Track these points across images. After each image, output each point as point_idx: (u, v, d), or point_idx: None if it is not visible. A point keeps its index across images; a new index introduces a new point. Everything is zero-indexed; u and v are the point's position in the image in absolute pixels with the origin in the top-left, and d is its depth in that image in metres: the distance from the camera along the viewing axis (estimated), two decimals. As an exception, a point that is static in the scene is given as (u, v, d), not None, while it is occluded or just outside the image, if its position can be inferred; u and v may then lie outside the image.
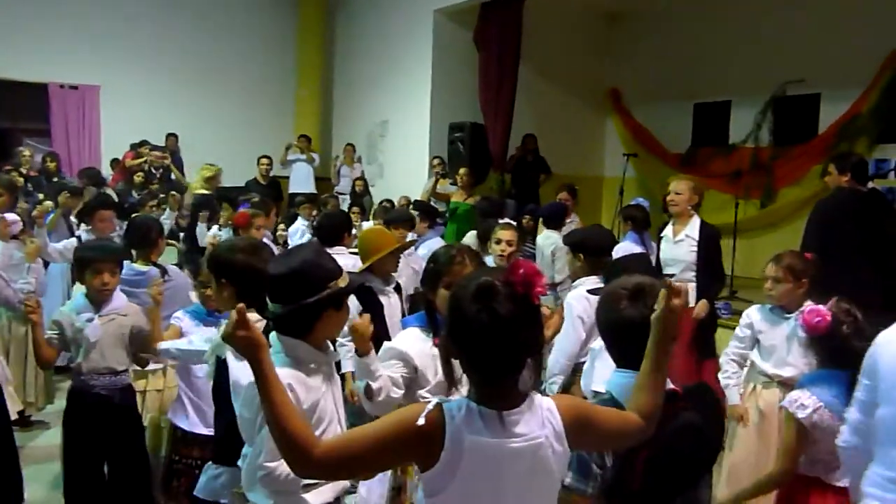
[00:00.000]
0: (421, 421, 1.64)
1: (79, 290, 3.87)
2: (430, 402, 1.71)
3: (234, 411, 2.41)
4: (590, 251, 4.04)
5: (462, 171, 9.30)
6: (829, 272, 4.90)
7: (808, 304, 3.27)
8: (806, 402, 2.69)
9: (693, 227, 5.37)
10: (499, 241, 4.65)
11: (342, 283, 2.39)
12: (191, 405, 3.61)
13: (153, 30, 12.30)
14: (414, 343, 2.82)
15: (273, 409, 1.67)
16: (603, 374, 3.00)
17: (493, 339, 1.65)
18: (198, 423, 3.60)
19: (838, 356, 2.73)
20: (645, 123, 12.02)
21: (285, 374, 2.29)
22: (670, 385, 2.05)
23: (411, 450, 1.69)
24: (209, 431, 3.53)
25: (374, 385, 2.61)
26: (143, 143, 11.00)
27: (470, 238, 6.34)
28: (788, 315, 3.66)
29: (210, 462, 2.85)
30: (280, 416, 1.66)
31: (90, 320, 3.53)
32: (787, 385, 3.58)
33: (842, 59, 9.19)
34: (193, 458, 3.57)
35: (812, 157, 9.56)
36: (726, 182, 9.92)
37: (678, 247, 5.39)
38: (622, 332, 2.16)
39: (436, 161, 10.48)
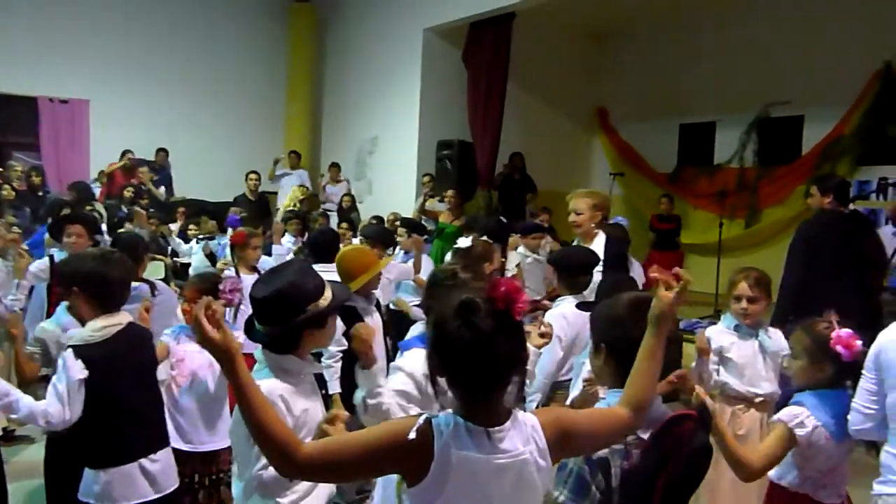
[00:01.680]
0: (412, 435, 1.67)
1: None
2: (420, 416, 1.74)
3: None
4: (568, 270, 4.11)
5: (449, 192, 9.36)
6: (812, 292, 5.01)
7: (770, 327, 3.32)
8: (806, 422, 2.71)
9: (598, 245, 4.86)
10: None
11: (323, 302, 2.42)
12: (171, 423, 3.54)
13: (144, 45, 12.32)
14: (420, 366, 2.68)
15: (253, 414, 1.67)
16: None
17: (475, 354, 1.67)
18: (177, 439, 3.57)
19: (845, 374, 2.77)
20: (631, 143, 12.13)
21: (274, 385, 2.36)
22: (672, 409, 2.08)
23: (398, 462, 1.71)
24: (188, 447, 3.59)
25: (372, 401, 2.59)
26: (126, 152, 11.11)
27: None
28: (752, 332, 3.68)
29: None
30: (261, 420, 1.67)
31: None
32: (764, 405, 3.62)
33: (825, 81, 9.33)
34: (188, 476, 3.56)
35: (796, 178, 9.68)
36: (711, 202, 10.04)
37: None
38: (627, 351, 2.13)
39: (426, 178, 10.55)
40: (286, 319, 2.35)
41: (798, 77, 9.66)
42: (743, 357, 3.66)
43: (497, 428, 1.72)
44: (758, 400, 3.62)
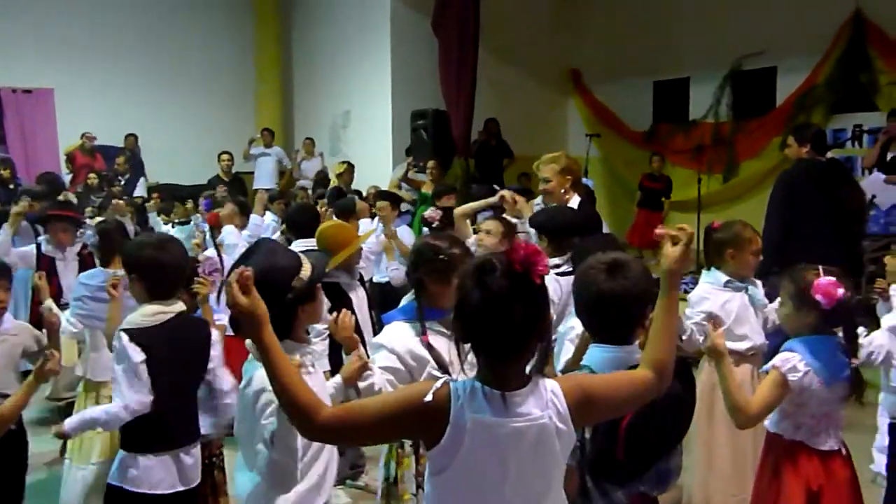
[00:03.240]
0: (429, 398, 1.68)
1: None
2: (439, 379, 1.74)
3: None
4: (553, 232, 4.05)
5: (431, 163, 9.37)
6: (794, 242, 5.02)
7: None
8: (799, 366, 2.72)
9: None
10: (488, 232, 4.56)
11: (305, 274, 2.39)
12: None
13: (106, 30, 12.08)
14: (401, 340, 2.67)
15: (277, 377, 1.71)
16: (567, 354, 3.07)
17: (490, 315, 1.67)
18: None
19: (834, 318, 2.79)
20: (606, 103, 12.09)
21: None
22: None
23: (415, 425, 1.74)
24: None
25: (362, 384, 2.55)
26: (84, 134, 11.05)
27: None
28: (743, 285, 3.65)
29: None
30: (285, 383, 1.71)
31: None
32: (755, 357, 3.61)
33: (796, 31, 9.33)
34: None
35: (771, 130, 9.72)
36: (688, 158, 10.05)
37: None
38: (601, 305, 2.20)
39: (409, 158, 10.46)
40: (274, 303, 2.26)
41: (769, 28, 9.64)
42: (736, 311, 3.61)
43: (514, 392, 1.71)
44: (750, 353, 3.62)
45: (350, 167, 10.36)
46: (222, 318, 3.75)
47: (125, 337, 2.80)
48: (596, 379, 1.97)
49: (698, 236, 8.34)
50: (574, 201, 4.70)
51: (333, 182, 10.36)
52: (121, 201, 6.74)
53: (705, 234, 3.78)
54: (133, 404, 2.76)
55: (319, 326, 3.87)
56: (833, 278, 2.75)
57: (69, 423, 2.95)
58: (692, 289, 3.84)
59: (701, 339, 3.60)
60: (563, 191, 4.69)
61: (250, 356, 2.39)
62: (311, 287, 2.43)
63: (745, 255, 3.61)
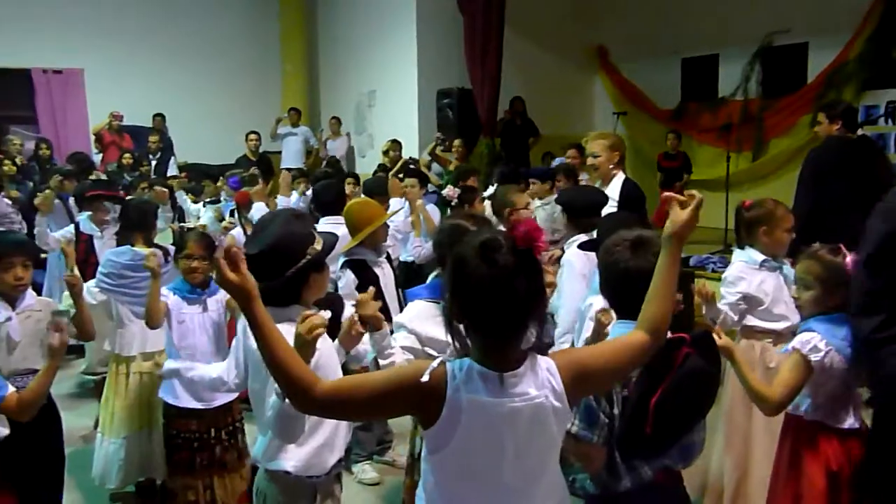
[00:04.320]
0: (425, 377, 1.69)
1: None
2: (435, 359, 1.75)
3: None
4: (576, 211, 4.12)
5: (457, 142, 9.47)
6: (825, 220, 4.96)
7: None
8: (820, 346, 2.69)
9: (614, 188, 4.85)
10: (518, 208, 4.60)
11: (318, 245, 2.47)
12: (179, 381, 3.52)
13: (135, 10, 12.16)
14: (421, 320, 2.75)
15: (271, 352, 1.70)
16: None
17: (495, 292, 1.67)
18: (188, 399, 3.63)
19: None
20: (633, 80, 11.96)
21: (285, 330, 2.37)
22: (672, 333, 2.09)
23: (411, 404, 1.75)
24: (198, 405, 3.62)
25: (383, 362, 2.61)
26: (112, 113, 11.08)
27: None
28: (778, 264, 3.59)
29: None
30: (279, 358, 1.69)
31: (8, 319, 3.22)
32: (791, 336, 3.57)
33: (828, 7, 9.16)
34: (192, 431, 3.64)
35: (801, 107, 9.58)
36: (717, 136, 9.96)
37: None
38: (625, 282, 2.21)
39: (438, 136, 10.46)
40: (284, 270, 2.38)
41: (800, 4, 9.47)
42: (773, 291, 3.54)
43: (511, 372, 1.72)
44: (789, 333, 3.57)
45: (397, 144, 10.32)
46: None
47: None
48: (591, 350, 1.99)
49: (727, 215, 8.32)
50: (619, 178, 4.86)
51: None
52: (163, 189, 6.79)
53: (736, 213, 3.73)
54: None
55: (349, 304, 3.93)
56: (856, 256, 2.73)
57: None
58: (721, 268, 3.81)
59: (735, 318, 3.60)
60: (610, 166, 4.85)
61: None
62: (323, 256, 2.49)
63: (778, 233, 3.54)
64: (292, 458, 2.45)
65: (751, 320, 3.59)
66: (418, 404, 1.73)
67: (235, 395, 3.51)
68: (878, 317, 2.47)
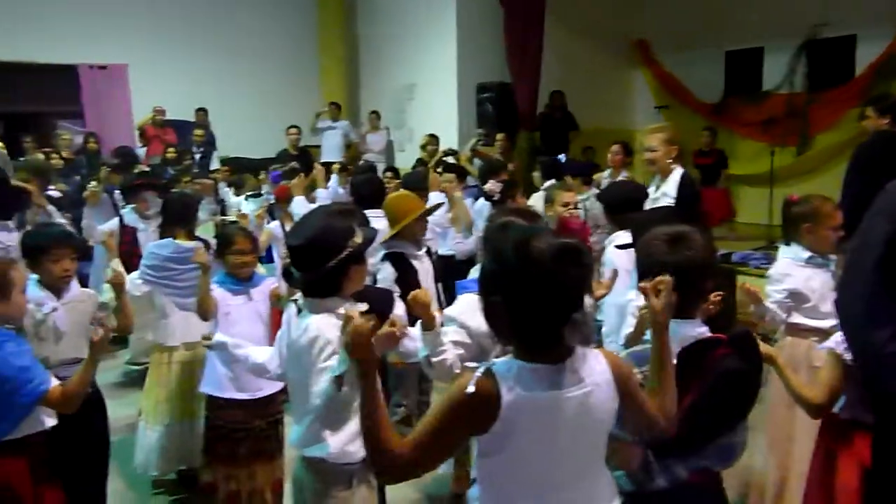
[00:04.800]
0: (471, 389, 1.68)
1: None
2: (475, 368, 1.74)
3: None
4: (614, 207, 4.10)
5: (500, 136, 9.46)
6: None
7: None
8: None
9: (672, 183, 4.85)
10: (566, 204, 4.60)
11: (358, 239, 2.51)
12: (223, 373, 3.64)
13: (177, 6, 12.28)
14: (473, 314, 2.64)
15: (371, 416, 1.75)
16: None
17: (539, 284, 1.67)
18: (231, 390, 3.68)
19: None
20: (675, 74, 11.82)
21: (322, 322, 2.46)
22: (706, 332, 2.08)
23: (471, 418, 1.73)
24: (244, 395, 3.68)
25: (436, 358, 2.61)
26: (155, 108, 11.30)
27: (537, 199, 6.33)
28: (826, 261, 3.51)
29: None
30: (375, 422, 1.75)
31: (54, 310, 3.28)
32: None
33: (877, -2, 8.97)
34: (237, 422, 3.69)
35: (848, 101, 9.37)
36: (760, 130, 9.81)
37: (656, 204, 4.92)
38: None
39: (479, 132, 10.45)
40: (325, 261, 2.44)
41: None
42: (820, 288, 3.48)
43: (560, 365, 1.73)
44: (833, 331, 3.50)
45: (435, 139, 10.36)
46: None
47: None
48: (637, 387, 1.97)
49: (771, 210, 8.19)
50: (677, 172, 4.85)
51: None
52: (209, 182, 6.89)
53: (783, 208, 3.66)
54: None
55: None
56: None
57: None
58: (765, 265, 3.74)
59: (784, 315, 3.53)
60: (668, 161, 4.84)
61: (301, 313, 2.55)
62: (363, 249, 2.54)
63: (823, 231, 3.46)
64: (328, 446, 2.48)
65: (797, 318, 3.52)
66: (475, 415, 1.72)
67: (281, 385, 3.55)
68: (891, 326, 2.16)
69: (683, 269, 2.05)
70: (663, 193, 4.96)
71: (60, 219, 5.51)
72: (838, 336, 2.70)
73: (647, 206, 4.94)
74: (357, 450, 2.49)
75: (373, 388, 1.77)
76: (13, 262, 2.96)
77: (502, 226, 2.76)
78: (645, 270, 2.28)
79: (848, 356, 2.63)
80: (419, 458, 1.75)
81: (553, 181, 6.70)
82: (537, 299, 1.67)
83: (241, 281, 3.78)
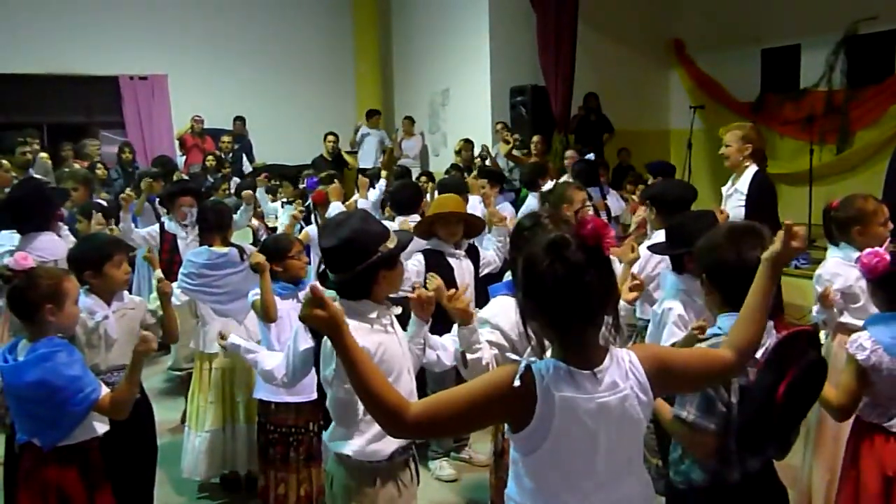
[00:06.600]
0: (517, 382, 1.69)
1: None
2: (519, 362, 1.76)
3: None
4: (667, 204, 4.02)
5: (535, 138, 9.47)
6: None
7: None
8: (865, 344, 2.61)
9: (744, 180, 4.93)
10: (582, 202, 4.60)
11: (391, 244, 2.54)
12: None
13: (214, 16, 12.48)
14: (506, 315, 2.75)
15: (361, 380, 1.70)
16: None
17: (569, 289, 1.68)
18: (281, 393, 3.68)
19: (890, 292, 2.68)
20: (711, 73, 11.68)
21: (351, 326, 2.44)
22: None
23: (504, 410, 1.76)
24: (298, 399, 3.70)
25: (471, 356, 2.62)
26: (194, 117, 11.47)
27: (533, 201, 6.34)
28: None
29: None
30: (369, 386, 1.69)
31: (105, 318, 3.31)
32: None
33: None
34: (289, 426, 3.73)
35: (889, 97, 9.26)
36: (799, 128, 9.66)
37: (728, 201, 5.07)
38: (725, 273, 2.26)
39: (499, 126, 10.45)
40: (356, 264, 2.47)
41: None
42: (853, 289, 3.41)
43: (597, 368, 1.74)
44: None
45: (469, 144, 10.39)
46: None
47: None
48: (673, 352, 2.00)
49: (810, 209, 8.05)
50: (751, 170, 4.96)
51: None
52: (251, 193, 6.99)
53: (824, 215, 3.61)
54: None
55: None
56: (876, 249, 2.67)
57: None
58: (804, 264, 3.70)
59: (838, 316, 3.47)
60: (741, 157, 4.96)
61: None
62: (395, 255, 2.57)
63: (874, 229, 3.40)
64: (353, 444, 2.52)
65: (846, 318, 3.46)
66: (510, 410, 1.74)
67: None
68: None
69: (742, 265, 2.11)
70: (735, 190, 5.01)
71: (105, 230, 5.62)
72: (854, 336, 2.69)
73: (722, 202, 5.07)
74: (381, 448, 2.52)
75: (345, 349, 1.71)
76: (67, 273, 3.02)
77: (531, 227, 2.81)
78: (707, 270, 2.34)
79: (861, 355, 2.62)
80: (432, 425, 1.76)
81: (554, 181, 6.63)
82: (564, 303, 1.69)
83: (290, 284, 3.82)
